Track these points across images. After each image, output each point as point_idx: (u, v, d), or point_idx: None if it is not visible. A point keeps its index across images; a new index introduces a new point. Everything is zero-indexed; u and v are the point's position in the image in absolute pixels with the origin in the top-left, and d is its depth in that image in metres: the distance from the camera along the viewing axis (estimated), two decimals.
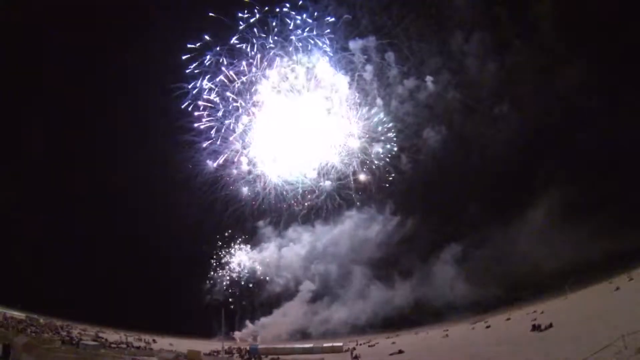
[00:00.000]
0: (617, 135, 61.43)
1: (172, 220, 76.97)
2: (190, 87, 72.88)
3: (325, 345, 65.67)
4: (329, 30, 72.24)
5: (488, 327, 58.50)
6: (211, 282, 79.41)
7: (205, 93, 73.52)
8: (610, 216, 58.64)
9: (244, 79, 73.33)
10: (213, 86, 73.47)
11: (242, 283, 79.72)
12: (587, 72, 63.02)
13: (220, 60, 72.23)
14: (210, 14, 68.67)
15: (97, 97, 73.61)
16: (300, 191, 77.36)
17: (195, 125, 74.59)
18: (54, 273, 67.97)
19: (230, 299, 78.88)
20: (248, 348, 65.71)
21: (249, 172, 76.95)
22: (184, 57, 71.30)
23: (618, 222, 57.39)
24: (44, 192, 71.29)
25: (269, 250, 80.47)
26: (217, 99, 74.15)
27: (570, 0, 65.34)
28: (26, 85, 69.29)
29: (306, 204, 77.84)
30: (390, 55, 74.14)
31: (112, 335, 63.65)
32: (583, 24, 62.34)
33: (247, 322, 79.04)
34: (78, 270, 69.47)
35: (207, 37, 70.85)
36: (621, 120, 60.90)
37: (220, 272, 79.73)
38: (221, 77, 73.16)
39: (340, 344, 65.11)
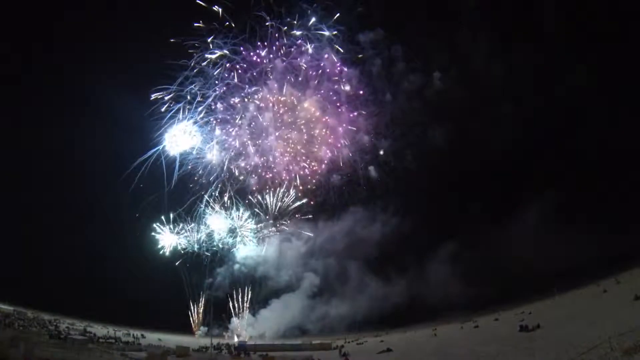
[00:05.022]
0: (611, 140, 62.12)
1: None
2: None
3: (313, 342, 65.82)
4: (338, 22, 70.05)
5: (476, 326, 59.04)
6: (208, 278, 78.11)
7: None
8: (600, 221, 59.27)
9: (253, 72, 72.13)
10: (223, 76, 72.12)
11: (241, 278, 78.04)
12: (586, 74, 63.45)
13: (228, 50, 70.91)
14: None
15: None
16: (309, 186, 76.27)
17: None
18: (41, 267, 67.22)
19: (227, 294, 77.17)
20: (236, 344, 65.70)
21: (257, 165, 75.74)
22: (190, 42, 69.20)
23: (608, 226, 58.02)
24: (33, 186, 70.36)
25: (271, 245, 78.97)
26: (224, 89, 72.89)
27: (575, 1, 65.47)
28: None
29: (312, 201, 76.71)
30: (397, 49, 73.00)
31: (100, 330, 63.26)
32: (586, 26, 62.67)
33: (245, 314, 77.85)
34: (66, 264, 68.53)
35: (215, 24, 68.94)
36: (616, 125, 61.43)
37: (219, 269, 78.00)
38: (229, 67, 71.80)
39: (329, 341, 65.32)
